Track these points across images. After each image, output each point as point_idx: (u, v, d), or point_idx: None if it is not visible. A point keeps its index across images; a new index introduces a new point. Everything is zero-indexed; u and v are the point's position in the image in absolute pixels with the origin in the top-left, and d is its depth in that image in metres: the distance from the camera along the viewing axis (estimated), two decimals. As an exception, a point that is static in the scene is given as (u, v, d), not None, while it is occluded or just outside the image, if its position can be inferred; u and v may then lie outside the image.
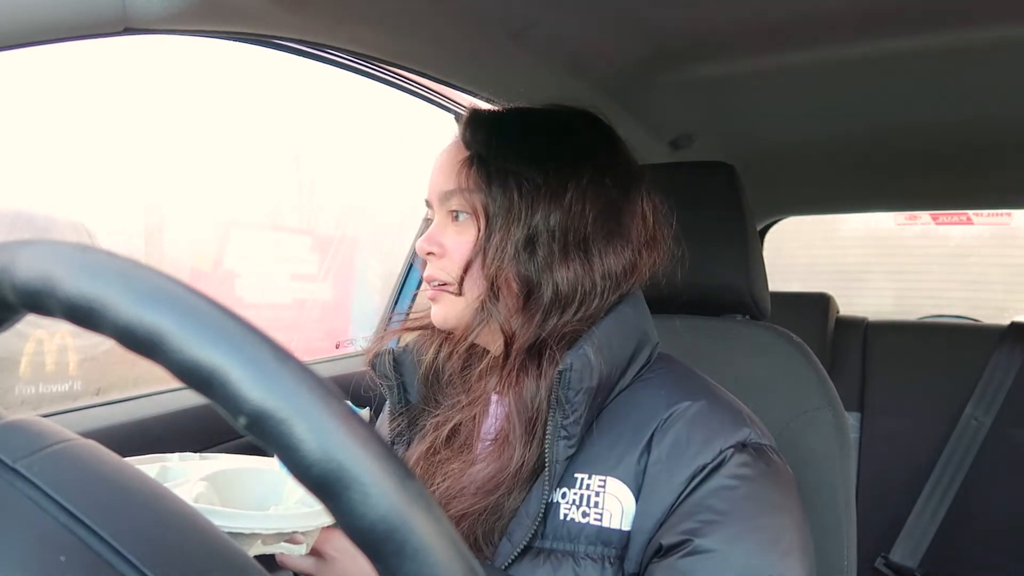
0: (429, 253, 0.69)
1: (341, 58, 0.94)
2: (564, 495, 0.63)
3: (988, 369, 1.71)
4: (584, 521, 0.62)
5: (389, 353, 0.76)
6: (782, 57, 1.04)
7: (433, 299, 0.70)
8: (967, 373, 1.73)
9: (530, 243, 0.65)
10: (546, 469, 0.62)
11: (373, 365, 0.77)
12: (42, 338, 1.37)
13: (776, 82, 1.17)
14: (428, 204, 0.73)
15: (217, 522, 0.48)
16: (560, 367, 0.62)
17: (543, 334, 0.65)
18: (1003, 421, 1.66)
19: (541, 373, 0.64)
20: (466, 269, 0.67)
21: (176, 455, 0.68)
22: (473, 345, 0.70)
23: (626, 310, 0.69)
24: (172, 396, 1.07)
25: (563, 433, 0.62)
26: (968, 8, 0.86)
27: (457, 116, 1.40)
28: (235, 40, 0.73)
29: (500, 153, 0.67)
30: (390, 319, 1.54)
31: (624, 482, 0.62)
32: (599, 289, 0.67)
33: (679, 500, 0.60)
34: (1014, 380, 1.68)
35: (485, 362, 0.70)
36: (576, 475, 0.63)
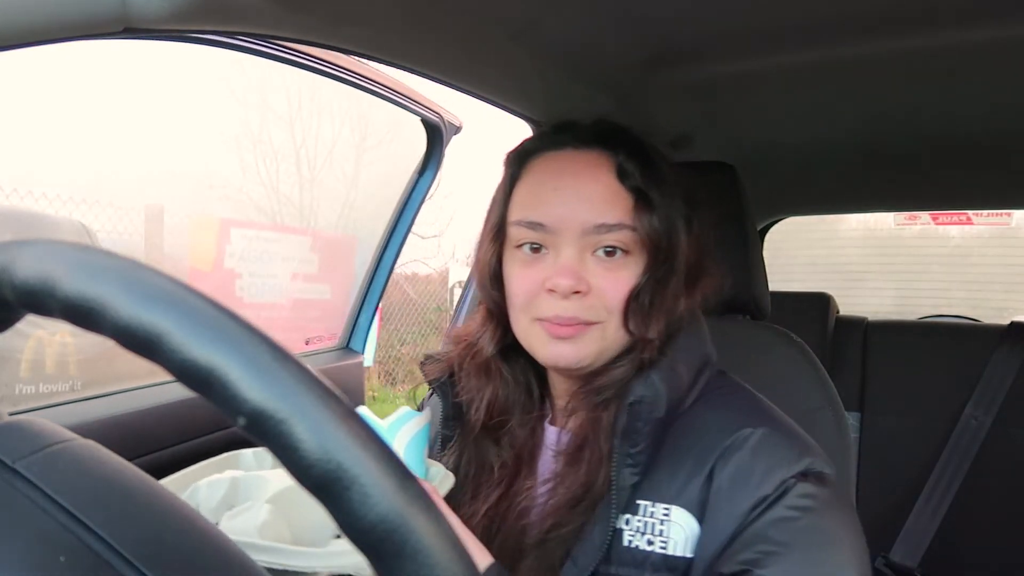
0: (576, 292, 0.64)
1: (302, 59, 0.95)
2: (628, 522, 0.63)
3: (988, 369, 1.71)
4: (649, 549, 0.62)
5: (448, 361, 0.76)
6: (782, 57, 1.04)
7: (567, 336, 0.66)
8: (967, 373, 1.73)
9: (678, 278, 0.66)
10: (612, 495, 0.62)
11: (424, 365, 0.77)
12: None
13: (776, 82, 1.17)
14: (538, 227, 0.67)
15: (276, 560, 0.48)
16: (631, 399, 0.62)
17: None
18: (1003, 421, 1.66)
19: (614, 402, 0.65)
20: (626, 308, 0.65)
21: (250, 451, 0.67)
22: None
23: (692, 333, 0.68)
24: (150, 392, 1.08)
25: (629, 461, 0.62)
26: (968, 8, 0.86)
27: (425, 120, 1.40)
28: (235, 39, 0.74)
29: (661, 191, 0.66)
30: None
31: (688, 510, 0.62)
32: (686, 318, 0.67)
33: (740, 529, 0.59)
34: (1014, 380, 1.68)
35: (562, 391, 0.70)
36: (639, 502, 0.63)
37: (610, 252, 0.65)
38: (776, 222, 2.36)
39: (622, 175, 0.66)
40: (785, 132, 1.47)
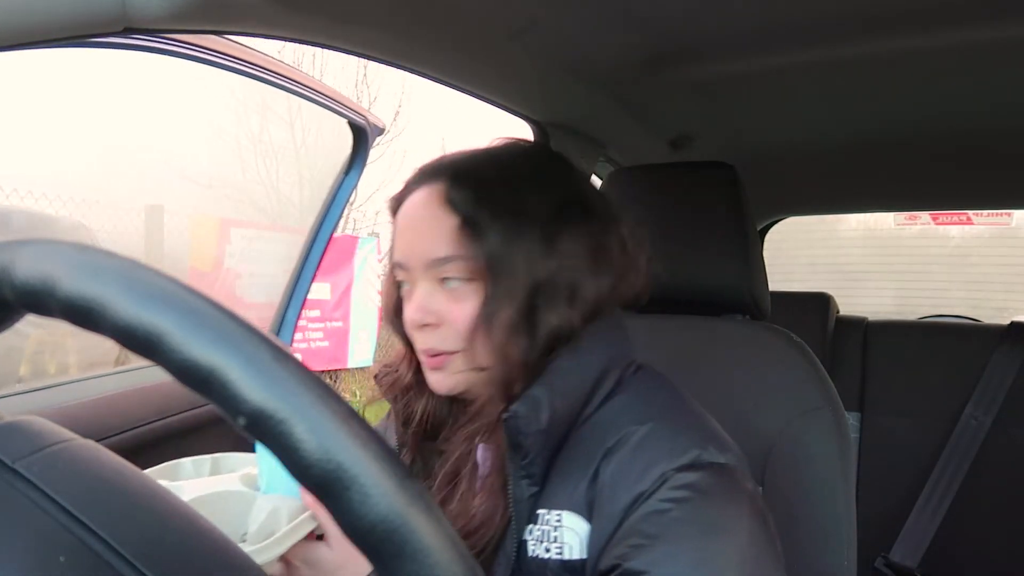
0: (425, 325, 0.67)
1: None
2: (531, 532, 0.64)
3: (988, 369, 1.71)
4: (547, 556, 0.62)
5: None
6: (782, 57, 1.04)
7: (435, 367, 0.68)
8: (967, 373, 1.73)
9: (532, 300, 0.65)
10: (510, 509, 0.63)
11: (378, 378, 0.78)
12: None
13: (776, 82, 1.17)
14: (399, 267, 0.70)
15: None
16: (505, 415, 0.62)
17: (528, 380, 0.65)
18: (1003, 421, 1.66)
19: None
20: (473, 337, 0.66)
21: (189, 460, 0.68)
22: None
23: (588, 340, 0.67)
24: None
25: (523, 473, 0.63)
26: (968, 8, 0.86)
27: (352, 123, 1.42)
28: (236, 36, 0.73)
29: (492, 213, 0.65)
30: None
31: (577, 513, 0.62)
32: (578, 329, 0.66)
33: (618, 526, 0.59)
34: (1014, 380, 1.68)
35: (471, 412, 0.70)
36: (538, 511, 0.64)
37: (444, 282, 0.67)
38: (776, 222, 2.36)
39: (451, 205, 0.67)
40: (785, 132, 1.47)
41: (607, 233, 0.70)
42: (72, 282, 0.25)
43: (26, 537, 0.27)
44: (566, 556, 0.62)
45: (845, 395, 1.04)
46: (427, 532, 0.24)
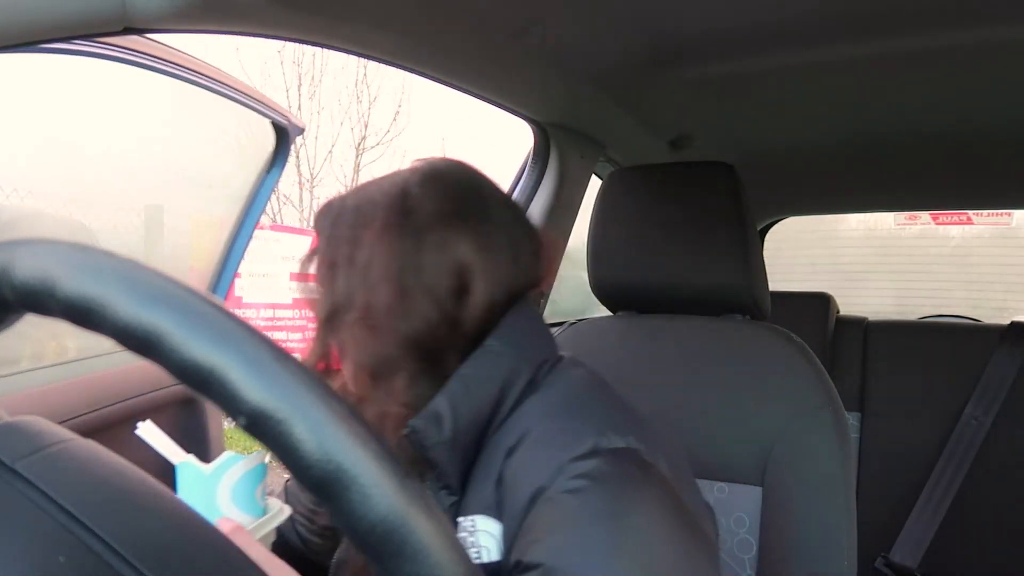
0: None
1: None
2: None
3: (988, 369, 1.71)
4: None
5: None
6: (782, 57, 1.04)
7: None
8: (967, 373, 1.73)
9: (329, 325, 0.66)
10: None
11: None
12: None
13: (776, 82, 1.17)
14: None
15: None
16: (405, 432, 0.62)
17: (393, 405, 0.65)
18: (1003, 421, 1.66)
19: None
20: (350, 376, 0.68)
21: None
22: None
23: (494, 344, 0.65)
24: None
25: (439, 484, 0.63)
26: (968, 8, 0.86)
27: (274, 123, 1.46)
28: (235, 36, 0.73)
29: (326, 234, 0.67)
30: None
31: (488, 515, 0.62)
32: (410, 355, 0.64)
33: (520, 524, 0.58)
34: (1014, 380, 1.68)
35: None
36: (458, 520, 0.63)
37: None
38: (776, 222, 2.36)
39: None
40: (785, 132, 1.47)
41: (420, 254, 0.65)
42: (72, 282, 0.25)
43: (26, 537, 0.27)
44: (484, 559, 0.61)
45: (845, 395, 1.04)
46: (427, 532, 0.24)
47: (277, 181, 1.61)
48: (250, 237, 1.61)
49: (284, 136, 1.53)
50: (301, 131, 1.60)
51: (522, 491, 0.59)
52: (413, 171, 0.69)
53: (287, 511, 0.68)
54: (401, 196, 0.66)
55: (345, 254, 0.65)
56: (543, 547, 0.54)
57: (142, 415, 0.75)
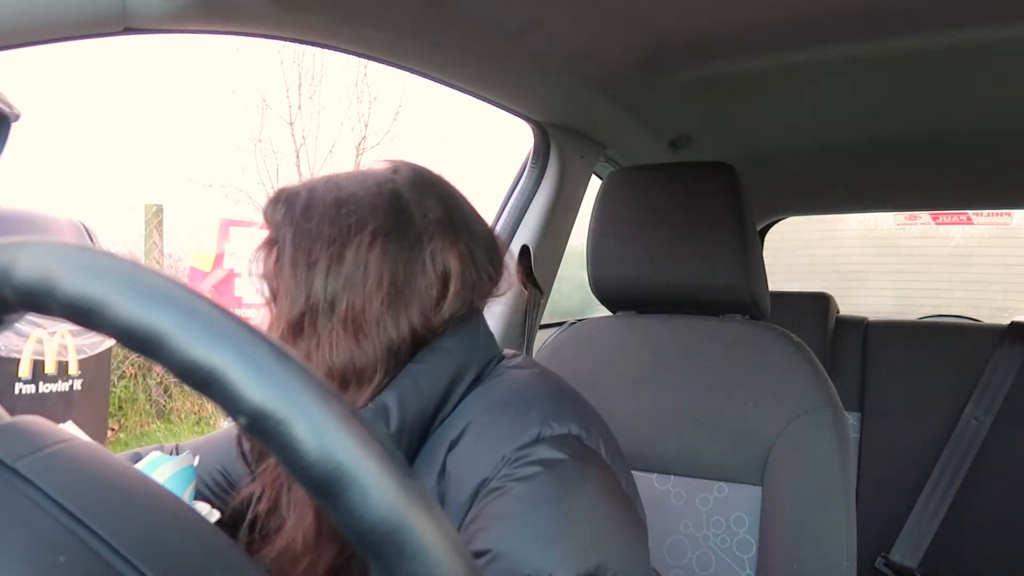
0: None
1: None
2: None
3: (988, 369, 1.71)
4: None
5: None
6: (782, 57, 1.04)
7: None
8: (967, 373, 1.73)
9: (299, 324, 0.64)
10: None
11: None
12: None
13: (776, 82, 1.17)
14: None
15: None
16: None
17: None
18: (1003, 421, 1.67)
19: None
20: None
21: None
22: None
23: (446, 340, 0.66)
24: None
25: None
26: (968, 8, 0.86)
27: None
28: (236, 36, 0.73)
29: (291, 231, 0.64)
30: None
31: None
32: (384, 363, 0.64)
33: (465, 516, 0.59)
34: (1014, 380, 1.68)
35: None
36: None
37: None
38: (776, 222, 2.36)
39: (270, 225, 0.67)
40: (784, 132, 1.47)
41: (410, 261, 0.65)
42: (72, 282, 0.25)
43: (26, 537, 0.27)
44: None
45: (845, 395, 1.04)
46: (427, 532, 0.24)
47: None
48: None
49: (5, 124, 1.51)
50: (18, 117, 1.55)
51: (466, 482, 0.59)
52: (395, 172, 0.68)
53: (216, 515, 0.68)
54: (395, 199, 0.65)
55: (329, 253, 0.63)
56: (490, 534, 0.55)
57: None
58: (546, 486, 0.57)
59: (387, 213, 0.64)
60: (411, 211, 0.65)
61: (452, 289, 0.65)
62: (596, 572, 0.55)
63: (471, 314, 0.69)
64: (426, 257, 0.64)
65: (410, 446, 0.64)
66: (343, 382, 0.63)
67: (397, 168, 0.69)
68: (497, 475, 0.58)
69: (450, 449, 0.62)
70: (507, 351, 0.73)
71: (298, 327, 0.64)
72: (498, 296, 0.72)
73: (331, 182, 0.67)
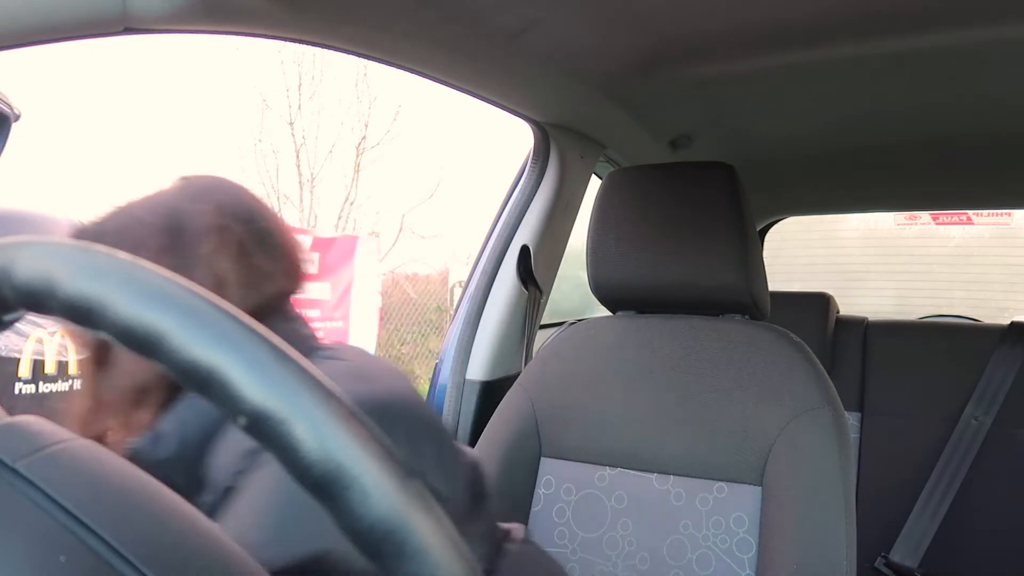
0: None
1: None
2: None
3: (988, 369, 1.71)
4: None
5: None
6: (782, 57, 1.04)
7: None
8: (967, 373, 1.73)
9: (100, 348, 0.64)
10: None
11: None
12: None
13: (776, 82, 1.17)
14: None
15: None
16: (127, 451, 0.62)
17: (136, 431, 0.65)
18: (1003, 421, 1.66)
19: None
20: None
21: None
22: None
23: None
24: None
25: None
26: (968, 8, 0.86)
27: None
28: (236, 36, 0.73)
29: None
30: None
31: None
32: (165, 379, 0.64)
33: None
34: (1014, 380, 1.68)
35: None
36: None
37: None
38: (776, 222, 2.36)
39: None
40: (785, 132, 1.47)
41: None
42: (72, 282, 0.25)
43: (26, 537, 0.27)
44: None
45: (845, 395, 1.04)
46: (427, 532, 0.24)
47: None
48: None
49: (5, 123, 1.50)
50: (18, 117, 1.54)
51: (223, 471, 0.59)
52: (180, 188, 0.68)
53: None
54: (170, 215, 0.65)
55: None
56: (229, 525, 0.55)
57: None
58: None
59: (163, 229, 0.64)
60: (183, 221, 0.65)
61: (229, 292, 0.64)
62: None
63: (274, 317, 0.68)
64: (198, 263, 0.64)
65: (194, 465, 0.63)
66: (133, 405, 0.63)
67: (182, 183, 0.69)
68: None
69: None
70: (331, 343, 0.72)
71: (98, 359, 0.64)
72: (300, 292, 0.72)
73: (122, 211, 0.67)
